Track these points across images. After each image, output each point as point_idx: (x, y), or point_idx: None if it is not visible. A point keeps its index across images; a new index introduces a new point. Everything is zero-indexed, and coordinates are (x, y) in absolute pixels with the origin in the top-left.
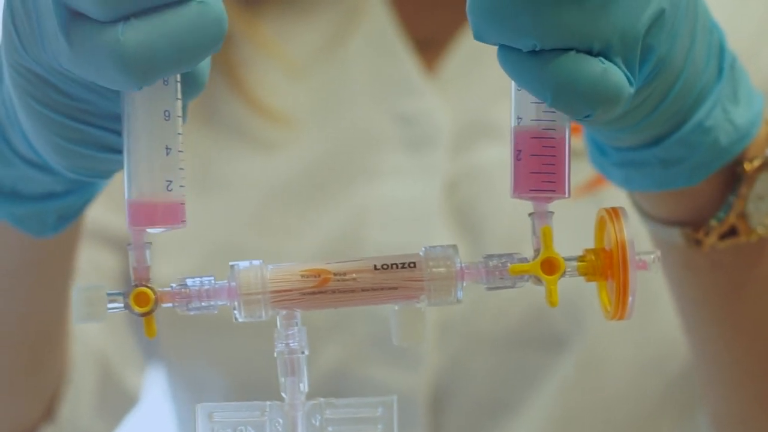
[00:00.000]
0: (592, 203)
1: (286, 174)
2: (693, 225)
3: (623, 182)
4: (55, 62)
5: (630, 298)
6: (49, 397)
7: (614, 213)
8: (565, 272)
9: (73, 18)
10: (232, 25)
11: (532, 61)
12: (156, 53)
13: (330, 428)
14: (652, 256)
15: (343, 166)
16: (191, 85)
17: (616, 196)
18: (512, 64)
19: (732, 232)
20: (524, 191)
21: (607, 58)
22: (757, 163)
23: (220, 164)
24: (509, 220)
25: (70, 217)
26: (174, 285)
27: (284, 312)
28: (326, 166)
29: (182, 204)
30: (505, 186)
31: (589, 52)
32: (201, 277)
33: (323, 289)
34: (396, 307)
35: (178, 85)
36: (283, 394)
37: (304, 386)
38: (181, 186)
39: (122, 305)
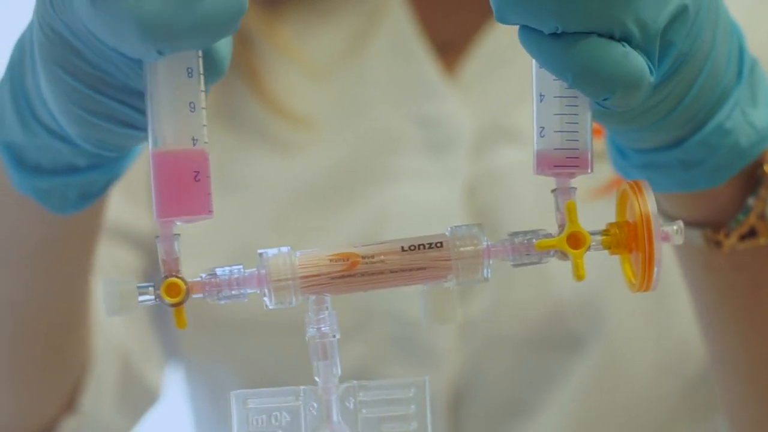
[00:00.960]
0: (611, 204)
1: (307, 176)
2: (713, 226)
3: None
4: (80, 24)
5: (656, 269)
6: (71, 389)
7: (637, 186)
8: (590, 246)
9: None
10: (253, 28)
11: (554, 43)
12: (175, 21)
13: (364, 410)
14: (675, 227)
15: (364, 168)
16: (211, 69)
17: None
18: (534, 45)
19: (751, 233)
20: (548, 168)
21: (627, 45)
22: None
23: (241, 166)
24: (529, 222)
25: (91, 196)
26: (204, 275)
27: (314, 297)
28: (347, 168)
29: (209, 194)
30: (525, 188)
31: (611, 38)
32: (230, 266)
33: (352, 273)
34: (425, 288)
35: (202, 77)
36: (316, 378)
37: (337, 370)
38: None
39: (153, 297)
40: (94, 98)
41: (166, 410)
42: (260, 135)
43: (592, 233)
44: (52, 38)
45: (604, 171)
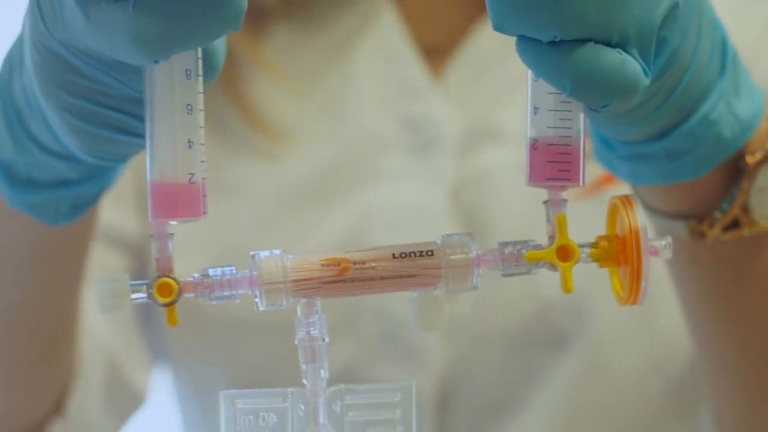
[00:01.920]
0: (597, 204)
1: (293, 178)
2: (697, 218)
3: (629, 176)
4: (74, 39)
5: (643, 283)
6: (59, 392)
7: (627, 200)
8: (579, 259)
9: None
10: (235, 43)
11: (552, 51)
12: (168, 28)
13: (350, 413)
14: (663, 242)
15: (350, 169)
16: (206, 71)
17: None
18: (532, 54)
19: (735, 224)
20: (540, 180)
21: (624, 49)
22: (758, 155)
23: (227, 172)
24: (514, 223)
25: (83, 206)
26: (196, 275)
27: (305, 300)
28: (333, 170)
29: (204, 196)
30: (510, 189)
31: (608, 44)
32: (222, 267)
33: (343, 278)
34: (414, 295)
35: (200, 79)
36: (304, 381)
37: (324, 373)
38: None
39: (146, 296)
40: (94, 110)
41: (153, 412)
42: (244, 146)
43: (581, 246)
44: (47, 57)
45: (590, 170)
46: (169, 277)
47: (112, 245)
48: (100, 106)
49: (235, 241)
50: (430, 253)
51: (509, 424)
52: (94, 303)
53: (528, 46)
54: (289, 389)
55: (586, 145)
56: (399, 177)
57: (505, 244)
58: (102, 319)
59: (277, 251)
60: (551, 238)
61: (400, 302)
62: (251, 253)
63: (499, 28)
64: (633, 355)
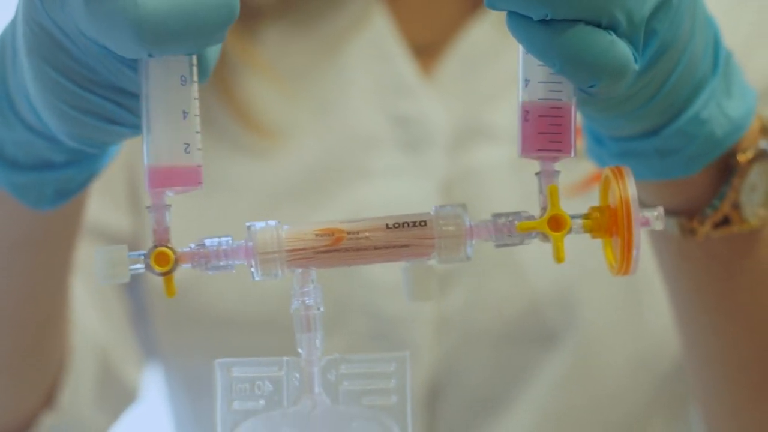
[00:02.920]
0: (586, 201)
1: (284, 175)
2: (687, 215)
3: None
4: (71, 23)
5: (634, 252)
6: (49, 385)
7: (618, 171)
8: (571, 229)
9: None
10: (226, 42)
11: (543, 29)
12: (170, 23)
13: (345, 382)
14: (655, 213)
15: (340, 166)
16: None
17: None
18: (522, 31)
19: (725, 221)
20: (532, 151)
21: (613, 34)
22: (750, 154)
23: (217, 169)
24: None
25: (68, 193)
26: (192, 245)
27: (300, 270)
28: (323, 167)
29: (200, 166)
30: (501, 187)
31: (598, 26)
32: (219, 237)
33: (337, 248)
34: (407, 265)
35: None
36: (299, 350)
37: (320, 342)
38: (198, 149)
39: (143, 266)
40: (80, 95)
41: (145, 409)
42: (235, 144)
43: (573, 216)
44: (39, 34)
45: (581, 168)
46: (165, 246)
47: (103, 241)
48: (85, 91)
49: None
50: (423, 223)
51: (499, 419)
52: (86, 298)
53: (519, 22)
54: (285, 358)
55: (576, 124)
56: (390, 174)
57: (498, 215)
58: (94, 315)
59: (272, 222)
60: (543, 208)
61: (387, 298)
62: (247, 224)
63: (491, 4)
64: (622, 351)
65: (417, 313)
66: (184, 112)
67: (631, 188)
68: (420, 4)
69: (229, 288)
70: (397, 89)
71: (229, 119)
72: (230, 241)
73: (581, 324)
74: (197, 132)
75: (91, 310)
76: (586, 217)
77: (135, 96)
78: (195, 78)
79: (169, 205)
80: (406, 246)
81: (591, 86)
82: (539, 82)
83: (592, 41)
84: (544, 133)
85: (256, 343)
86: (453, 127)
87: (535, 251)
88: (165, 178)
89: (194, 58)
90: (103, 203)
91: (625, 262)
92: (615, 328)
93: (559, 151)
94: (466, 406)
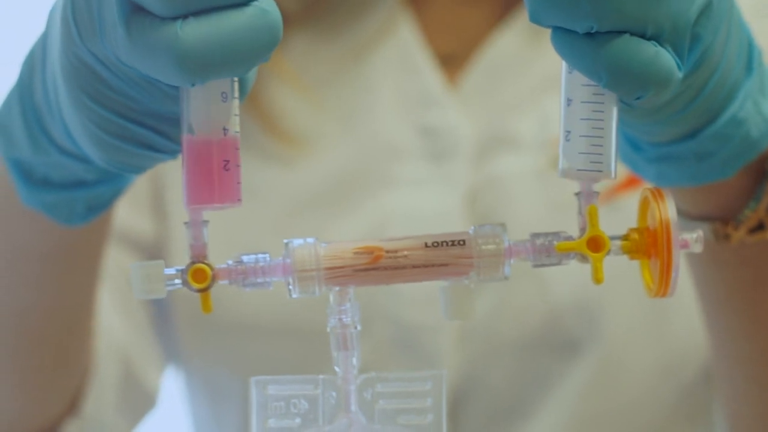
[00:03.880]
0: (608, 212)
1: (309, 184)
2: (722, 220)
3: (656, 178)
4: (111, 55)
5: (673, 275)
6: (73, 392)
7: (658, 193)
8: (610, 250)
9: (134, 11)
10: None
11: (588, 43)
12: (211, 52)
13: (381, 401)
14: (694, 236)
15: (365, 176)
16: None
17: (632, 205)
18: (568, 45)
19: (760, 226)
20: (572, 171)
21: (658, 43)
22: None
23: (243, 176)
24: (529, 229)
25: (99, 208)
26: (230, 262)
27: (337, 288)
28: (348, 177)
29: (239, 183)
30: (525, 197)
31: (642, 36)
32: (256, 254)
33: (375, 266)
34: (445, 284)
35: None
36: (336, 368)
37: (356, 360)
38: (238, 165)
39: (180, 282)
40: (119, 123)
41: (164, 414)
42: (261, 152)
43: (612, 238)
44: (80, 68)
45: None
46: (203, 263)
47: (127, 246)
48: (124, 119)
49: (252, 246)
50: (462, 242)
51: (521, 429)
52: (109, 303)
53: (564, 37)
54: (321, 377)
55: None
56: (414, 184)
57: (536, 235)
58: (117, 320)
59: (310, 239)
60: (582, 229)
61: (411, 307)
62: (285, 240)
63: (536, 19)
64: (645, 360)
65: (440, 322)
66: (224, 129)
67: (671, 210)
68: (446, 13)
69: (252, 294)
70: (423, 99)
71: (255, 127)
72: (268, 258)
73: (604, 333)
74: (237, 149)
75: (114, 315)
76: (624, 238)
77: (174, 121)
78: (236, 94)
79: (207, 221)
80: (445, 265)
81: (638, 98)
82: (582, 102)
83: (637, 52)
84: (584, 153)
85: (277, 350)
86: (478, 137)
87: None
88: (204, 195)
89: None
90: (127, 208)
91: (663, 284)
92: (637, 337)
93: (600, 171)
94: (488, 415)
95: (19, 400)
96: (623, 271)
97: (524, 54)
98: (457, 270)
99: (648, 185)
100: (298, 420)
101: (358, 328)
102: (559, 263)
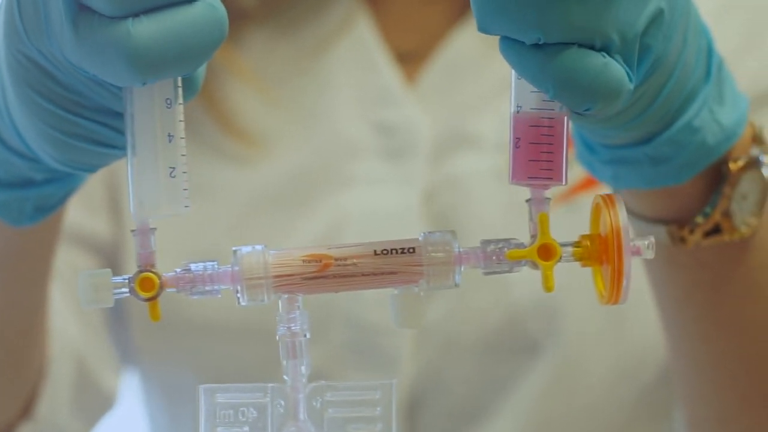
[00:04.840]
0: (568, 211)
1: (266, 183)
2: (678, 223)
3: (611, 180)
4: (58, 53)
5: (625, 282)
6: (27, 395)
7: (609, 200)
8: (561, 258)
9: (81, 11)
10: None
11: (536, 53)
12: (166, 49)
13: (330, 410)
14: (645, 242)
15: (322, 174)
16: (187, 89)
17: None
18: (515, 55)
19: (716, 230)
20: (522, 178)
21: (608, 54)
22: (741, 162)
23: (199, 176)
24: (488, 228)
25: (48, 209)
26: (178, 270)
27: (286, 296)
28: (305, 175)
29: (185, 190)
30: (484, 195)
31: (591, 48)
32: (204, 261)
33: (324, 274)
34: (395, 292)
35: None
36: (285, 377)
37: (305, 369)
38: (184, 172)
39: (127, 290)
40: (70, 120)
41: (121, 415)
42: (217, 151)
43: (563, 245)
44: (26, 65)
45: (570, 174)
46: (150, 271)
47: (83, 247)
48: (74, 115)
49: (208, 246)
50: (411, 250)
51: (480, 430)
52: (63, 305)
53: (511, 47)
54: (270, 384)
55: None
56: (372, 182)
57: (486, 242)
58: (71, 321)
59: (258, 246)
60: (533, 236)
61: (369, 308)
62: (233, 248)
63: (483, 28)
64: (604, 362)
65: None
66: (169, 135)
67: (622, 217)
68: (404, 11)
69: None
70: (380, 97)
71: (211, 126)
72: (216, 266)
73: (563, 334)
74: (183, 155)
75: (68, 316)
76: (576, 245)
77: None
78: (180, 100)
79: (154, 229)
80: (395, 273)
81: (586, 109)
82: (531, 109)
83: (585, 64)
84: (535, 161)
85: (233, 350)
86: (436, 135)
87: None
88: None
89: (179, 80)
90: (82, 209)
91: (615, 291)
92: (597, 339)
93: (550, 179)
94: (446, 416)
95: None
96: (582, 273)
97: (483, 53)
98: (406, 278)
99: (605, 187)
100: (246, 428)
101: (308, 336)
102: (510, 271)
